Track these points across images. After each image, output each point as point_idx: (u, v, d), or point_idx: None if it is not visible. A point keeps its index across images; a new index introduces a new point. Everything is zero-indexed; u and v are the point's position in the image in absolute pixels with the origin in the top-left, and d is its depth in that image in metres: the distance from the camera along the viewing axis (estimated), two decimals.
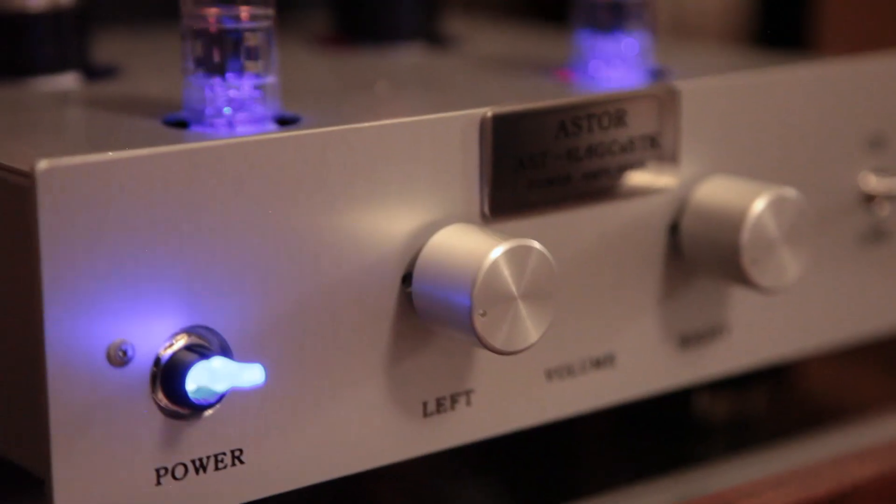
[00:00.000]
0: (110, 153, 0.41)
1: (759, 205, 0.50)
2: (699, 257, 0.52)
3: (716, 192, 0.52)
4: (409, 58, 0.64)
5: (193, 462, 0.43)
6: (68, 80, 0.56)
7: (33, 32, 0.55)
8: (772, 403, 0.64)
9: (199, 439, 0.43)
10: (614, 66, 0.56)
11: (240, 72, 0.47)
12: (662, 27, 0.57)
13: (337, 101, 0.52)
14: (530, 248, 0.45)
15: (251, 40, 0.47)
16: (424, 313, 0.46)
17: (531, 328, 0.46)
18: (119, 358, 0.41)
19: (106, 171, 0.40)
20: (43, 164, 0.39)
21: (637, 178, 0.51)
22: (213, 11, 0.47)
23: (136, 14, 0.69)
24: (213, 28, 0.47)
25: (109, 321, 0.41)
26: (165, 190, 0.41)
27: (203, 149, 0.42)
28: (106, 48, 0.60)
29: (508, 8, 1.19)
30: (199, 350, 0.42)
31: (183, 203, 0.42)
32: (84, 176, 0.40)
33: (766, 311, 0.56)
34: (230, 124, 0.47)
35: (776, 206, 0.51)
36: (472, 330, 0.45)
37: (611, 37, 0.56)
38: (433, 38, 0.66)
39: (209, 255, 0.43)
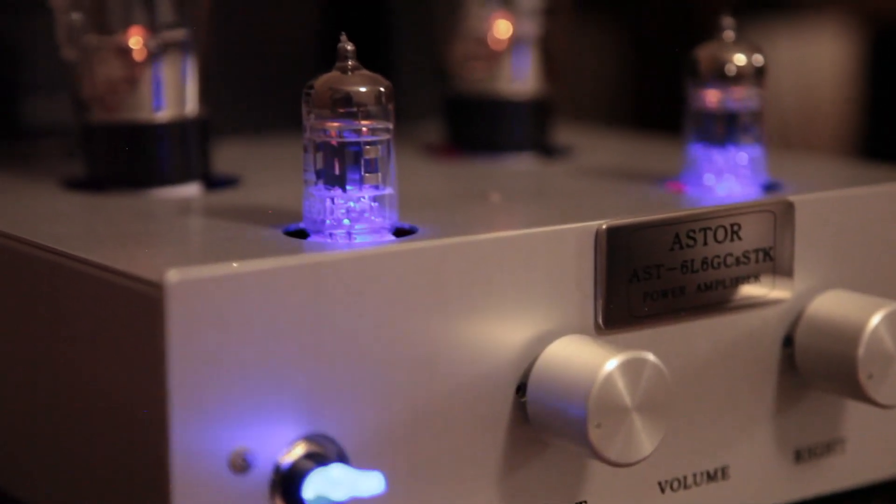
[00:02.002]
0: (236, 265, 0.42)
1: (875, 319, 0.50)
2: (814, 371, 0.52)
3: (831, 305, 0.52)
4: (521, 168, 0.64)
5: None
6: (191, 190, 0.57)
7: (159, 144, 0.56)
8: None
9: None
10: (727, 178, 0.56)
11: (359, 183, 0.48)
12: (769, 139, 0.58)
13: (452, 212, 0.53)
14: (645, 361, 0.46)
15: (371, 153, 0.48)
16: (538, 423, 0.47)
17: (645, 440, 0.46)
18: (240, 465, 0.42)
19: (232, 283, 0.41)
20: (173, 276, 0.40)
21: (751, 290, 0.51)
22: (335, 125, 0.48)
23: (255, 125, 0.70)
24: (334, 141, 0.48)
25: (232, 429, 0.42)
26: (287, 300, 0.42)
27: (325, 261, 0.43)
28: (226, 158, 0.62)
29: (616, 118, 1.20)
30: (318, 458, 0.43)
31: (304, 313, 0.43)
32: (211, 287, 0.41)
33: (882, 426, 0.55)
34: (349, 235, 0.48)
35: (893, 320, 0.50)
36: (586, 442, 0.45)
37: (723, 149, 0.56)
38: (544, 148, 0.67)
39: (328, 364, 0.43)
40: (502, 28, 0.67)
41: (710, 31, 0.57)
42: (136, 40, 0.55)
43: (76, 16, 0.55)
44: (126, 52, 0.55)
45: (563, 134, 0.70)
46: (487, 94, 0.67)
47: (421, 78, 0.72)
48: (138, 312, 0.43)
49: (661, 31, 1.21)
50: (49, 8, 0.56)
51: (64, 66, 0.56)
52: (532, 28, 0.66)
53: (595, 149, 0.69)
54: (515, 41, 0.67)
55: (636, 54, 1.24)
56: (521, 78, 0.67)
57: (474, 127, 0.67)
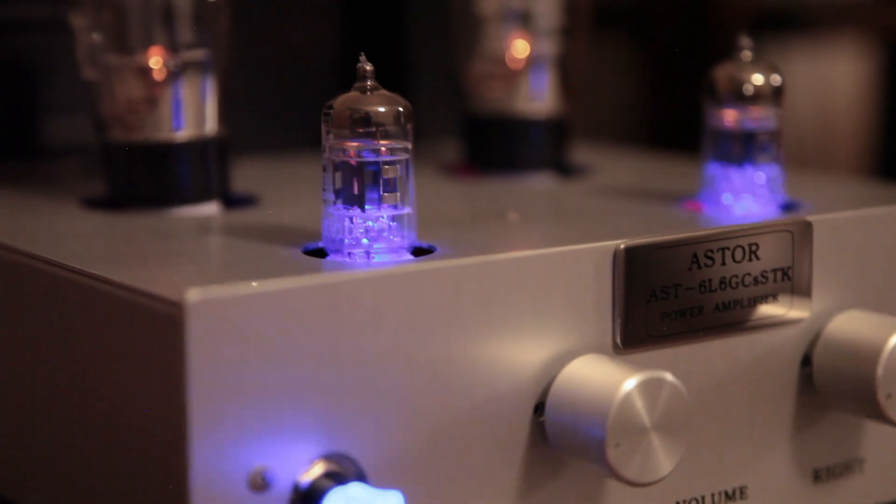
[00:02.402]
0: (256, 284, 0.42)
1: (894, 339, 0.50)
2: (832, 391, 0.52)
3: (850, 325, 0.52)
4: (539, 187, 0.65)
5: None
6: (210, 209, 0.57)
7: (178, 163, 0.57)
8: None
9: None
10: (745, 197, 0.56)
11: (378, 203, 0.48)
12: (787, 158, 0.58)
13: (469, 231, 0.53)
14: (663, 380, 0.46)
15: (390, 172, 0.48)
16: (556, 443, 0.47)
17: (663, 460, 0.46)
18: (260, 483, 0.42)
19: (251, 302, 0.42)
20: (193, 295, 0.40)
21: (769, 310, 0.51)
22: (354, 145, 0.48)
23: (274, 144, 0.71)
24: (353, 161, 0.48)
25: (251, 447, 0.42)
26: (306, 320, 0.43)
27: (344, 281, 0.43)
28: (246, 177, 0.62)
29: (633, 137, 1.20)
30: (337, 477, 0.43)
31: (323, 333, 0.43)
32: (230, 306, 0.41)
33: None
34: (367, 254, 0.48)
35: None
36: (604, 461, 0.45)
37: (741, 168, 0.56)
38: (562, 166, 0.67)
39: (347, 383, 0.43)
40: (520, 47, 0.67)
41: (726, 50, 0.57)
42: (155, 60, 0.55)
43: (97, 36, 0.55)
44: (146, 72, 0.56)
45: (581, 152, 0.70)
46: (505, 114, 0.67)
47: (439, 97, 0.73)
48: (158, 331, 0.43)
49: (677, 49, 1.21)
50: (70, 28, 0.56)
51: (84, 86, 0.57)
52: (549, 47, 0.67)
53: (612, 167, 0.69)
54: (533, 60, 0.67)
55: (652, 72, 1.24)
56: (538, 97, 0.67)
57: (492, 146, 0.67)
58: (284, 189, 0.62)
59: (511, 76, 0.67)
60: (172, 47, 0.55)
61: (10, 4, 0.64)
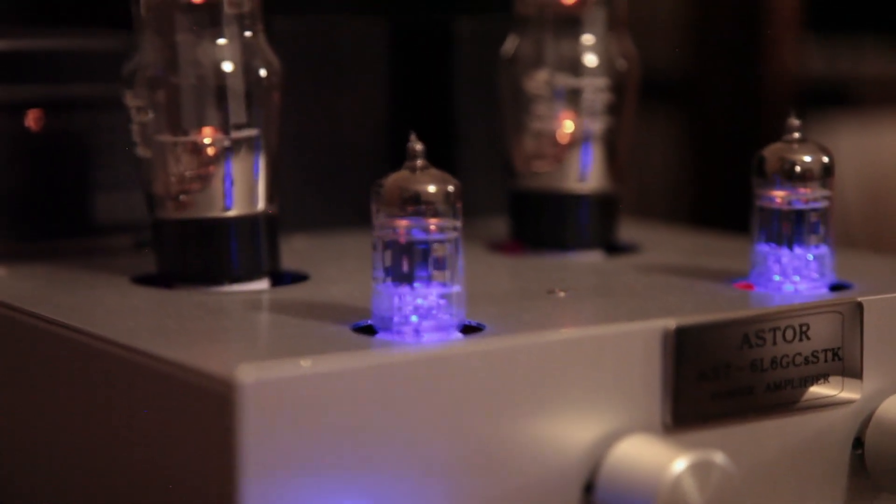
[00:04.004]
0: (305, 363, 0.42)
1: None
2: (884, 473, 0.51)
3: None
4: (587, 265, 0.64)
5: None
6: (260, 286, 0.58)
7: (228, 240, 0.57)
8: None
9: None
10: (795, 278, 0.56)
11: (427, 281, 0.48)
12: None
13: (518, 309, 0.53)
14: (714, 462, 0.45)
15: (439, 251, 0.49)
16: None
17: None
18: None
19: (301, 381, 0.42)
20: (244, 374, 0.41)
21: (820, 390, 0.51)
22: (403, 224, 0.48)
23: (324, 221, 0.71)
24: (402, 239, 0.48)
25: None
26: (356, 399, 0.43)
27: (394, 362, 0.44)
28: (296, 254, 0.63)
29: (678, 211, 1.20)
30: None
31: (373, 412, 0.43)
32: (281, 385, 0.41)
33: None
34: (416, 332, 0.48)
35: None
36: None
37: (791, 249, 0.56)
38: (610, 244, 0.67)
39: (397, 462, 0.43)
40: (568, 125, 0.67)
41: (773, 124, 0.57)
42: (208, 139, 0.56)
43: (150, 115, 0.56)
44: (198, 150, 0.56)
45: (628, 230, 0.70)
46: (553, 191, 0.67)
47: (485, 173, 0.73)
48: (209, 409, 0.43)
49: (725, 126, 1.21)
50: (124, 106, 0.57)
51: (137, 164, 0.57)
52: (597, 125, 0.67)
53: (661, 246, 0.69)
54: (581, 138, 0.67)
55: (698, 146, 1.24)
56: (586, 175, 0.67)
57: (539, 223, 0.67)
58: (333, 266, 0.62)
59: (559, 153, 0.67)
60: (225, 126, 0.56)
61: (65, 83, 0.65)
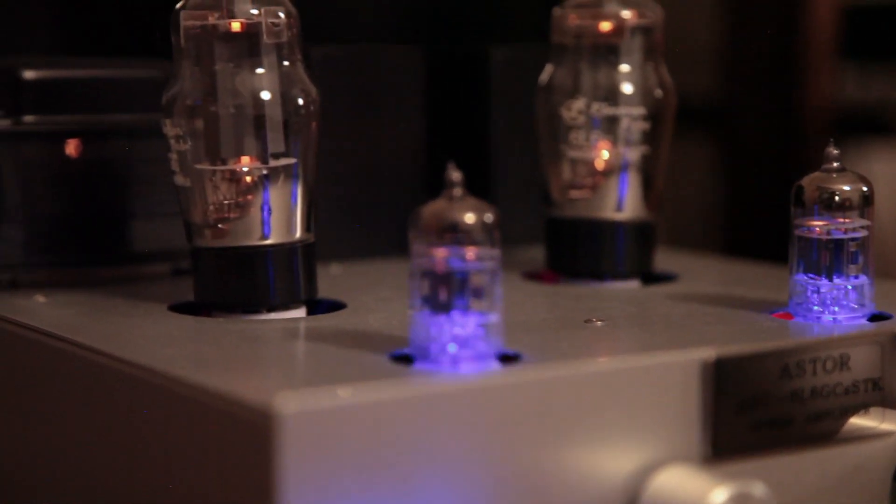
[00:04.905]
0: (344, 393, 0.42)
1: None
2: None
3: None
4: (624, 294, 0.64)
5: None
6: (297, 315, 0.58)
7: (266, 268, 0.57)
8: None
9: None
10: (834, 308, 0.56)
11: (465, 310, 0.48)
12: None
13: (556, 339, 0.53)
14: (753, 493, 0.45)
15: (477, 280, 0.48)
16: None
17: None
18: None
19: (340, 411, 0.42)
20: (282, 404, 0.41)
21: (860, 421, 0.51)
22: (441, 253, 0.48)
23: (362, 250, 0.71)
24: (440, 268, 0.48)
25: None
26: (394, 428, 0.43)
27: (433, 392, 0.44)
28: (331, 282, 0.63)
29: (710, 243, 1.20)
30: None
31: (410, 441, 0.43)
32: (318, 414, 0.41)
33: None
34: (454, 361, 0.48)
35: None
36: None
37: (830, 279, 0.56)
38: (647, 274, 0.67)
39: (435, 491, 0.43)
40: (604, 154, 0.67)
41: (808, 151, 0.57)
42: (246, 168, 0.56)
43: (189, 144, 0.56)
44: (237, 179, 0.56)
45: (665, 260, 0.70)
46: (589, 220, 0.67)
47: (522, 202, 0.73)
48: (247, 438, 0.43)
49: (759, 154, 1.21)
50: (163, 135, 0.57)
51: (176, 192, 0.58)
52: (634, 154, 0.67)
53: (697, 275, 0.69)
54: (618, 166, 0.67)
55: (734, 172, 1.24)
56: (623, 203, 0.67)
57: (576, 252, 0.67)
58: (370, 294, 0.62)
59: (595, 182, 0.67)
60: (263, 155, 0.56)
61: (104, 112, 0.66)
